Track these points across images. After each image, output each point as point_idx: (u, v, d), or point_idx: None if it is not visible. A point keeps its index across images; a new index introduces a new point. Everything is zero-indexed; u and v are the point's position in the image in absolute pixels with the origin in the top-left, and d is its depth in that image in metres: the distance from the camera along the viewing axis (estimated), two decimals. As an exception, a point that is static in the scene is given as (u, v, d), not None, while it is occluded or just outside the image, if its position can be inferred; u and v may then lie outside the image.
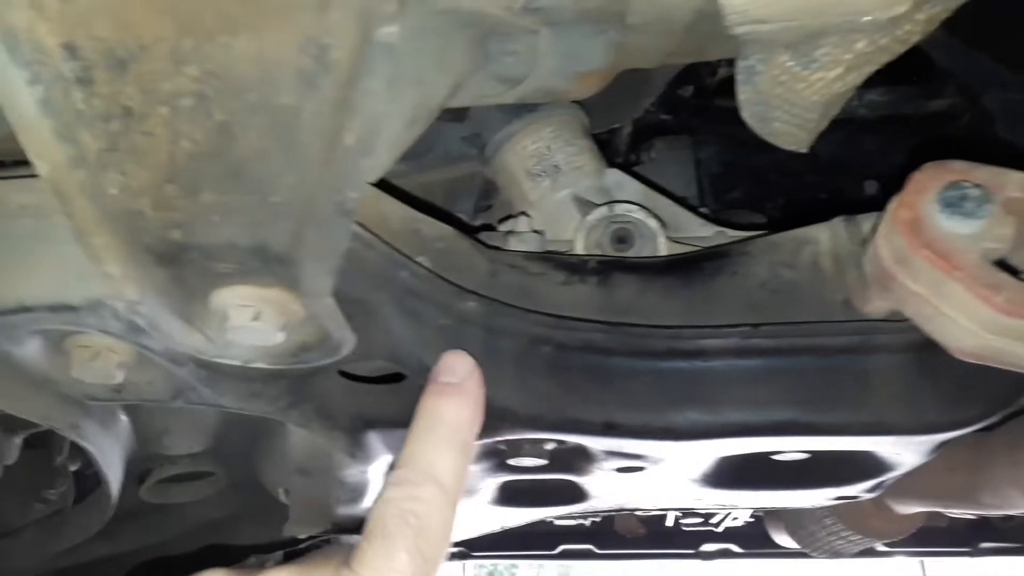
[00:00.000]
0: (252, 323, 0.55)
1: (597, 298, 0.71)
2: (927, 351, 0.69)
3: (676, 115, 1.41)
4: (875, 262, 0.60)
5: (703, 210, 1.26)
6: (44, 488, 1.18)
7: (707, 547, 1.94)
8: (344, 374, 0.68)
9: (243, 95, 0.46)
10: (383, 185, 0.70)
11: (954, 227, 0.55)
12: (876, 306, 0.66)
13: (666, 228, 0.87)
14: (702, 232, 0.91)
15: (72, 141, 0.45)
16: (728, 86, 1.44)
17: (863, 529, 1.43)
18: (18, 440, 1.12)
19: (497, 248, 0.77)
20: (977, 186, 0.55)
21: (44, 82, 0.43)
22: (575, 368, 0.68)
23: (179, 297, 0.55)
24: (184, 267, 0.52)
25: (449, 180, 1.17)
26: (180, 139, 0.47)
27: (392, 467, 0.60)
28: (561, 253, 0.80)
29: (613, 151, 1.24)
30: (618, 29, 0.77)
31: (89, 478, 1.26)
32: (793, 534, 1.60)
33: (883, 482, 0.88)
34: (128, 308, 0.52)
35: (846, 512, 1.40)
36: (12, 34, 0.41)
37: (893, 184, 1.49)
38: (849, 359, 0.69)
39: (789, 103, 0.79)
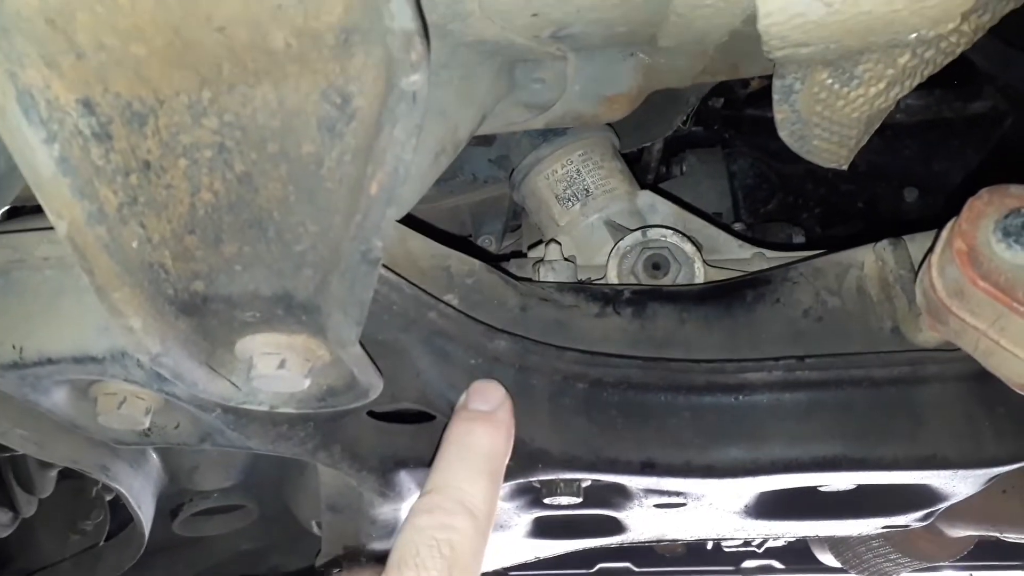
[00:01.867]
0: (278, 371, 0.53)
1: (633, 330, 0.69)
2: (982, 381, 0.66)
3: (707, 127, 1.38)
4: (928, 293, 0.57)
5: (738, 225, 1.23)
6: (80, 519, 1.18)
7: (748, 564, 1.90)
8: (373, 414, 0.66)
9: (264, 145, 0.44)
10: (410, 220, 0.68)
11: (1015, 257, 0.51)
12: (928, 336, 0.63)
13: (702, 251, 0.84)
14: (740, 254, 0.88)
15: (91, 197, 0.44)
16: (759, 96, 1.40)
17: (912, 552, 1.38)
18: (53, 473, 1.13)
19: (528, 280, 0.75)
20: (1039, 213, 0.52)
21: (61, 140, 0.42)
22: (611, 405, 0.65)
23: (203, 346, 0.53)
24: (207, 317, 0.51)
25: (477, 203, 1.15)
26: (200, 191, 0.46)
27: (421, 493, 0.57)
28: (594, 284, 0.77)
29: (644, 167, 1.21)
30: (648, 52, 0.75)
31: (124, 508, 1.26)
32: (838, 555, 1.55)
33: (935, 511, 0.84)
34: (151, 360, 0.51)
35: (895, 534, 1.35)
36: (27, 93, 0.40)
37: (933, 191, 1.43)
38: (899, 390, 0.66)
39: (828, 121, 0.76)
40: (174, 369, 0.54)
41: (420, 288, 0.60)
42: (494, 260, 0.95)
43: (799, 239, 1.24)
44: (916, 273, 0.67)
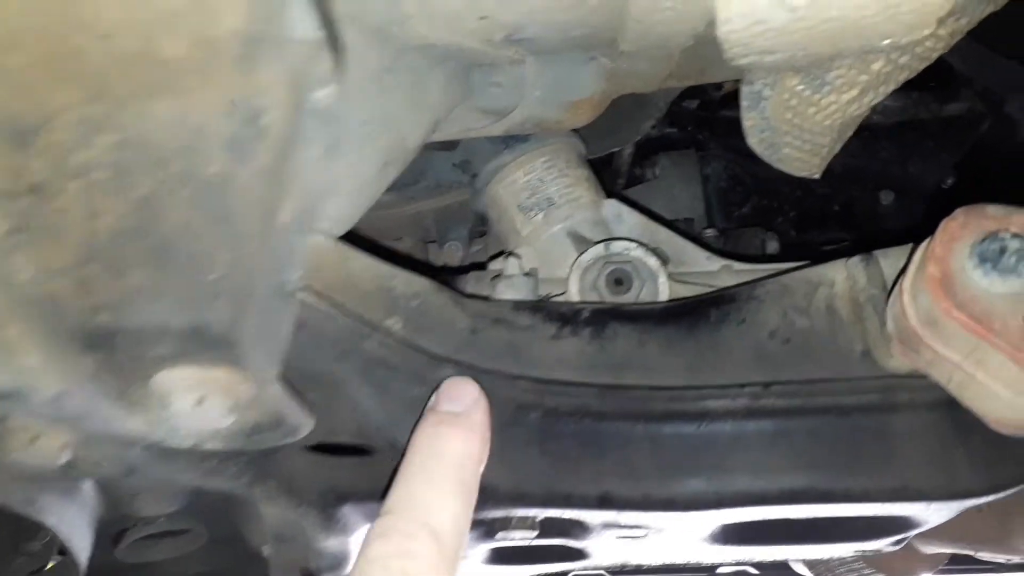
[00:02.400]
0: (196, 408, 0.49)
1: (590, 353, 0.64)
2: (956, 409, 0.62)
3: (681, 128, 1.35)
4: (899, 320, 0.53)
5: (710, 231, 1.19)
6: (25, 540, 1.12)
7: (723, 570, 1.87)
8: (312, 447, 0.61)
9: (165, 165, 0.40)
10: (354, 237, 0.64)
11: (992, 285, 0.48)
12: (900, 363, 0.59)
13: (668, 264, 0.81)
14: (707, 266, 0.84)
15: (-30, 224, 0.39)
16: (734, 97, 1.37)
17: (885, 568, 1.36)
18: (-8, 493, 1.07)
19: (485, 298, 0.71)
20: (1018, 236, 0.48)
21: (-71, 160, 0.37)
22: (566, 436, 0.61)
23: (114, 384, 0.49)
24: (116, 352, 0.47)
25: (440, 208, 1.11)
26: (98, 215, 0.41)
27: (379, 513, 0.50)
28: (552, 301, 0.73)
29: (615, 171, 1.17)
30: (610, 56, 0.70)
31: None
32: (811, 567, 1.54)
33: (907, 537, 0.81)
34: (52, 401, 0.46)
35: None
36: None
37: (910, 194, 1.40)
38: (870, 419, 0.62)
39: (799, 128, 0.72)
40: (81, 408, 0.49)
41: (357, 315, 0.56)
42: (451, 273, 0.90)
43: (773, 245, 1.21)
44: (889, 293, 0.63)
